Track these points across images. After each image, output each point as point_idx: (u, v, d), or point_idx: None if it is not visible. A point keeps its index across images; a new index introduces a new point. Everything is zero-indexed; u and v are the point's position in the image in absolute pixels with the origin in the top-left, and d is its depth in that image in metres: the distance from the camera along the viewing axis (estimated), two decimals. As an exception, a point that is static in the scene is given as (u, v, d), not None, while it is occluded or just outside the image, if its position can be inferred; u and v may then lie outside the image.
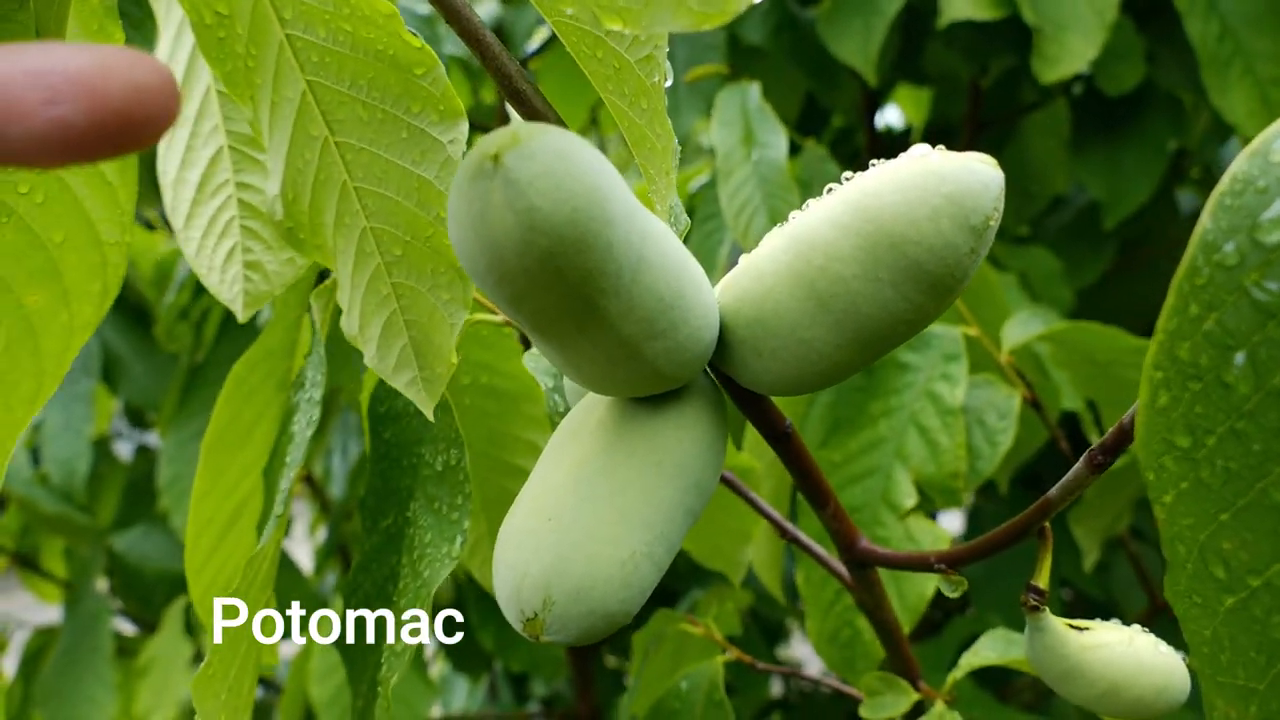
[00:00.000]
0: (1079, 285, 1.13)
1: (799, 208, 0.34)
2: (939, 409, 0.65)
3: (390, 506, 0.50)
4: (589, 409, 0.36)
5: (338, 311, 0.51)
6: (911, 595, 0.64)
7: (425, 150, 0.38)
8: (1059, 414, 0.83)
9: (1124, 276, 1.22)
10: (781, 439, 0.39)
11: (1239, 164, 0.26)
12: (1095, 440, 0.88)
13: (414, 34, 0.36)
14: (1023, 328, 0.74)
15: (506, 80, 0.34)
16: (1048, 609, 0.39)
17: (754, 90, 0.97)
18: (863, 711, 0.49)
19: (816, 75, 1.14)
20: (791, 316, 0.33)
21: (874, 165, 0.34)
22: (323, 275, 0.55)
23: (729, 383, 0.37)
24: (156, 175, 0.54)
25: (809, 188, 0.93)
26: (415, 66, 0.37)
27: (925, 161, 0.32)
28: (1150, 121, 1.13)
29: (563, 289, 0.27)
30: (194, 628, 1.23)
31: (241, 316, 0.53)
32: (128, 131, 0.19)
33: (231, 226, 0.53)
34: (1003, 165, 0.30)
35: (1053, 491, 0.36)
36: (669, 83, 0.36)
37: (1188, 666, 0.38)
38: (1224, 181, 0.26)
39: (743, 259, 0.36)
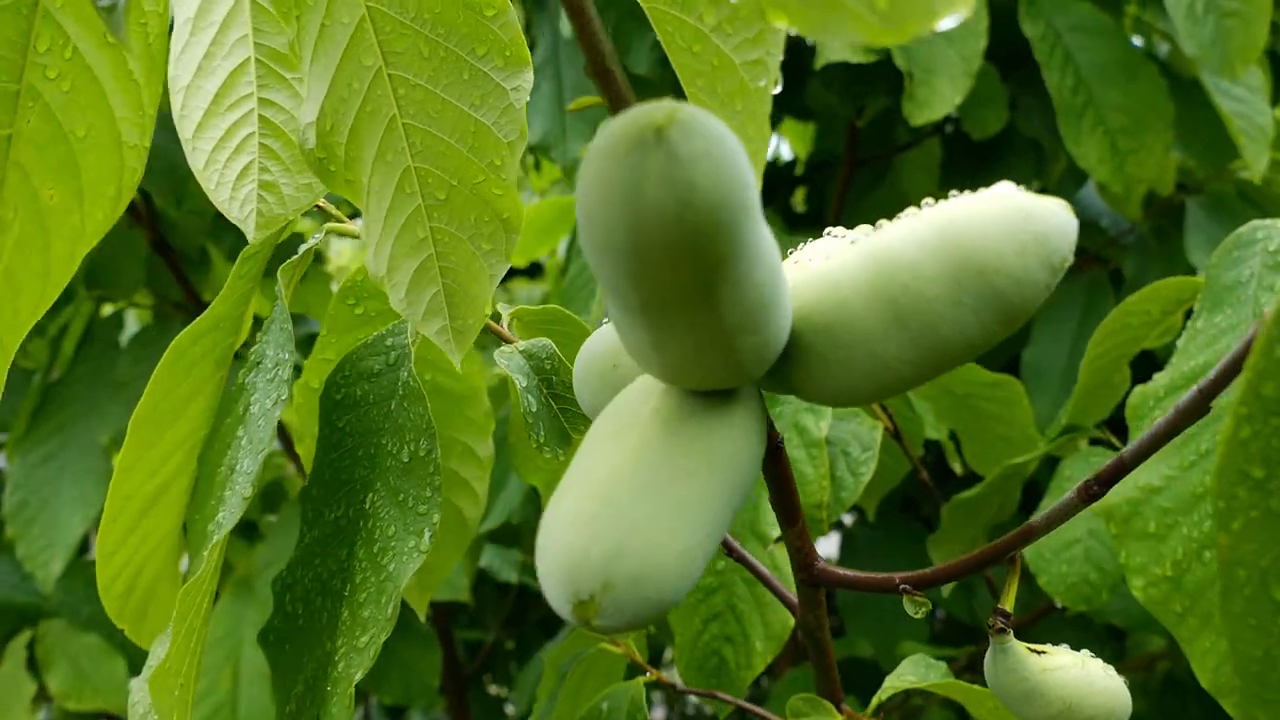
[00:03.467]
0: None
1: None
2: (805, 441, 0.67)
3: (340, 498, 0.48)
4: (641, 398, 0.35)
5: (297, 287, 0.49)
6: (775, 624, 0.65)
7: (486, 94, 0.36)
8: (923, 442, 0.87)
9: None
10: (772, 451, 0.39)
11: None
12: (957, 467, 0.92)
13: None
14: (887, 362, 0.76)
15: (599, 59, 0.33)
16: (1012, 632, 0.41)
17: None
18: None
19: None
20: (866, 329, 0.33)
21: (953, 195, 0.35)
22: (282, 251, 0.53)
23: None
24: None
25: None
26: (485, 7, 0.36)
27: (1014, 199, 0.33)
28: (1013, 164, 1.19)
29: (693, 269, 0.27)
30: (36, 665, 1.15)
31: (252, 237, 0.50)
32: None
33: (249, 143, 0.50)
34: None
35: (1038, 520, 0.38)
36: (777, 89, 0.36)
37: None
38: None
39: (795, 268, 0.36)
